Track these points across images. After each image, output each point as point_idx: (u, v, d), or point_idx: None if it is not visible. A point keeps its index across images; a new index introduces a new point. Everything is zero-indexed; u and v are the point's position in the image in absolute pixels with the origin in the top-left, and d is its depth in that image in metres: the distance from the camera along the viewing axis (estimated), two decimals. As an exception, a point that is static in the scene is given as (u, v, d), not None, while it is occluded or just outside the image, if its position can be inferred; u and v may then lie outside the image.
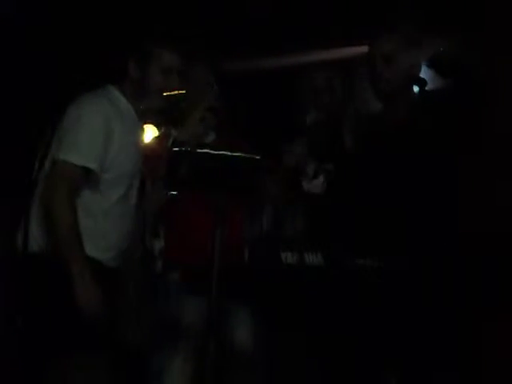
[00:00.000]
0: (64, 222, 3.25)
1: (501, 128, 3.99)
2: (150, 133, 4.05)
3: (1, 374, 4.07)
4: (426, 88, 3.38)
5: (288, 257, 3.33)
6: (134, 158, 3.49)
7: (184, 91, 3.52)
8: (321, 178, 3.75)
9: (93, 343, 3.27)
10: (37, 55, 4.73)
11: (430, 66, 3.97)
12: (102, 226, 3.39)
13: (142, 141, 3.63)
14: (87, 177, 3.34)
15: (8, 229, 3.52)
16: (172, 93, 3.49)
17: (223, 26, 4.81)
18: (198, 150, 3.30)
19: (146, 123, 3.73)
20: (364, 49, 3.69)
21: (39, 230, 3.36)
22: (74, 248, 3.26)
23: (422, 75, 3.54)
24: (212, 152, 3.27)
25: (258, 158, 3.25)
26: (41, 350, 3.30)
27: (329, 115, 3.85)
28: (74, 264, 3.24)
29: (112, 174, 3.39)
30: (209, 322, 3.17)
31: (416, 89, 3.42)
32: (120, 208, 3.45)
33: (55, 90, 4.61)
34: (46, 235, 3.33)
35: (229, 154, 3.24)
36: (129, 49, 3.51)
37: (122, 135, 3.39)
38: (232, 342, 3.77)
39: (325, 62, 4.21)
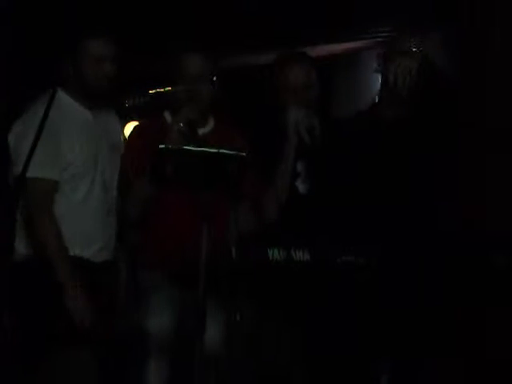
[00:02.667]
0: (50, 238, 3.40)
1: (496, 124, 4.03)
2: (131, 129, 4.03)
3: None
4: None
5: (275, 253, 3.34)
6: (90, 155, 3.52)
7: (170, 88, 3.50)
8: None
9: (80, 340, 3.37)
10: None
11: None
12: (73, 225, 3.48)
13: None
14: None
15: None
16: (158, 90, 3.48)
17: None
18: (183, 147, 3.28)
19: (131, 120, 3.71)
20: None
21: (22, 235, 3.46)
22: (61, 259, 3.41)
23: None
24: (196, 149, 3.25)
25: (243, 154, 3.24)
26: (30, 347, 3.38)
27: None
28: (62, 275, 3.40)
29: (69, 172, 3.46)
30: (198, 320, 3.16)
31: None
32: (88, 205, 3.51)
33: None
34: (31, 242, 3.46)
35: (213, 150, 3.21)
36: (64, 49, 3.54)
37: (69, 135, 3.46)
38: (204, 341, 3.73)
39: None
